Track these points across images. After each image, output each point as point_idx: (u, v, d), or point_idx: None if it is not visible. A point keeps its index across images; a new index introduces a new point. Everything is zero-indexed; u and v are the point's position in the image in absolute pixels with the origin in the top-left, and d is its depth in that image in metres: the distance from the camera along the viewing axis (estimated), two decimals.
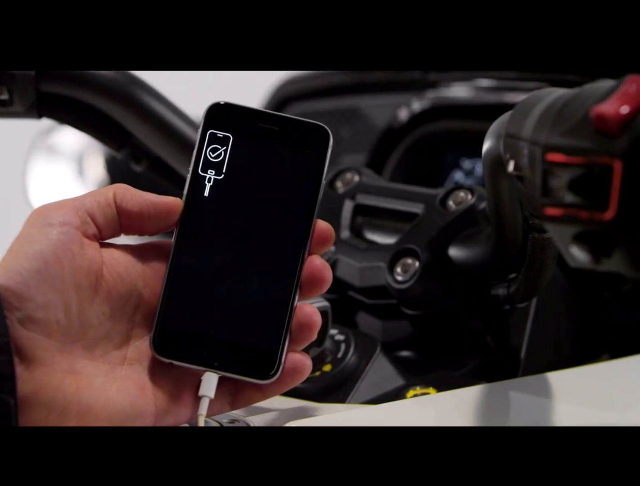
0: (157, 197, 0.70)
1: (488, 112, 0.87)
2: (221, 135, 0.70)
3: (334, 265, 0.90)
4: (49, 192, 1.39)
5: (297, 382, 0.69)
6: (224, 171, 0.70)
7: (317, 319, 0.69)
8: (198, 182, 0.69)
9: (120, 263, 0.68)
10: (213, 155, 0.70)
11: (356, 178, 0.96)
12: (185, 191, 0.69)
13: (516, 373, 0.88)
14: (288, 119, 0.71)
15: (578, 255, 0.59)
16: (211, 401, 0.67)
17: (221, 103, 0.71)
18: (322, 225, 0.70)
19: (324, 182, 0.70)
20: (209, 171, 0.70)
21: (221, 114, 0.70)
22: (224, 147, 0.70)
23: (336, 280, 0.90)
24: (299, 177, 0.70)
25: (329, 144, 0.70)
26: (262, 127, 0.70)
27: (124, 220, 0.69)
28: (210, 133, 0.70)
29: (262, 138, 0.70)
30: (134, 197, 0.69)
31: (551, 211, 0.59)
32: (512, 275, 0.83)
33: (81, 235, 0.67)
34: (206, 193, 0.69)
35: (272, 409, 0.75)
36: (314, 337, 0.69)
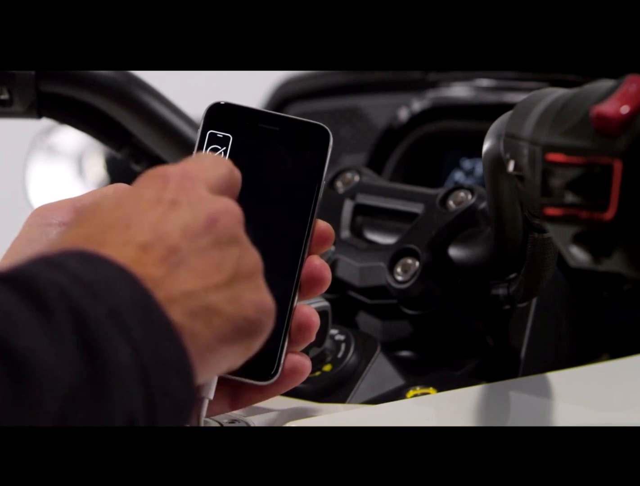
0: None
1: (488, 112, 0.87)
2: (221, 136, 0.70)
3: (334, 265, 0.90)
4: (49, 192, 1.39)
5: (297, 383, 0.69)
6: None
7: (315, 320, 0.69)
8: None
9: None
10: None
11: (356, 178, 0.96)
12: None
13: (516, 373, 0.88)
14: (288, 119, 0.71)
15: (578, 255, 0.59)
16: (211, 402, 0.67)
17: (221, 103, 0.70)
18: (321, 225, 0.69)
19: (324, 182, 0.70)
20: None
21: (221, 114, 0.70)
22: (224, 148, 0.70)
23: (336, 280, 0.90)
24: (299, 178, 0.70)
25: (329, 144, 0.70)
26: (262, 127, 0.70)
27: None
28: (210, 133, 0.70)
29: (262, 139, 0.70)
30: None
31: (551, 211, 0.59)
32: (512, 275, 0.83)
33: None
34: None
35: (272, 409, 0.75)
36: (313, 337, 0.69)
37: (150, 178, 0.58)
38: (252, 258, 0.59)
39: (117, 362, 0.50)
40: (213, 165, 0.61)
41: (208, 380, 0.61)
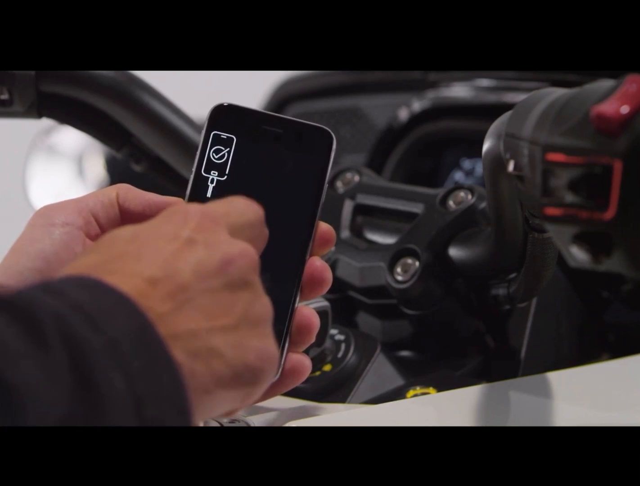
0: (160, 197, 0.70)
1: (488, 112, 0.87)
2: (225, 137, 0.70)
3: (334, 265, 0.90)
4: (49, 192, 1.39)
5: (297, 383, 0.69)
6: (226, 172, 0.70)
7: (316, 321, 0.69)
8: (201, 182, 0.69)
9: None
10: (216, 157, 0.70)
11: (356, 178, 0.96)
12: (187, 192, 0.69)
13: (516, 373, 0.88)
14: (292, 122, 0.71)
15: (578, 255, 0.59)
16: None
17: (225, 104, 0.70)
18: (323, 227, 0.69)
19: (326, 185, 0.70)
20: (211, 172, 0.70)
21: (225, 116, 0.70)
22: (227, 149, 0.70)
23: (336, 280, 0.89)
24: (301, 180, 0.70)
25: (332, 147, 0.70)
26: (266, 129, 0.70)
27: (127, 220, 0.69)
28: (214, 134, 0.70)
29: (266, 141, 0.70)
30: (136, 197, 0.69)
31: (551, 211, 0.59)
32: (512, 275, 0.83)
33: (84, 236, 0.67)
34: (209, 194, 0.69)
35: (272, 409, 0.75)
36: (313, 339, 0.69)
37: (171, 214, 0.58)
38: (263, 305, 0.58)
39: (112, 393, 0.49)
40: (240, 210, 0.60)
41: (202, 421, 0.60)
